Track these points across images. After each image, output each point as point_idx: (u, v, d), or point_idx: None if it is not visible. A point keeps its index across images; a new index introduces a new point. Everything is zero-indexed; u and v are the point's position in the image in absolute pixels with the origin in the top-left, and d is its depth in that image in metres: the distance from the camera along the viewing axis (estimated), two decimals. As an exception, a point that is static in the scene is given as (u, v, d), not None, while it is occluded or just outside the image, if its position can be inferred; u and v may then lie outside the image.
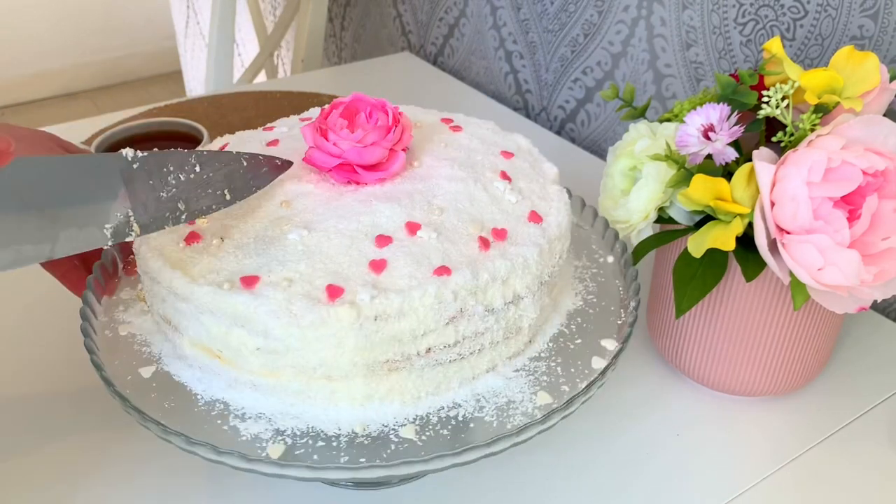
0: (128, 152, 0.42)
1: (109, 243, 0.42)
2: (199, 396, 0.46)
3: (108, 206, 0.41)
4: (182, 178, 0.44)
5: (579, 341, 0.51)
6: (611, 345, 0.50)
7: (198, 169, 0.45)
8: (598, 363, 0.49)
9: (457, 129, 0.57)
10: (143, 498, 0.52)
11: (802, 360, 0.57)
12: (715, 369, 0.58)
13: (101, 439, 0.56)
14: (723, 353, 0.57)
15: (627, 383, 0.61)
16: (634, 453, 0.56)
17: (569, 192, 0.61)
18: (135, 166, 0.42)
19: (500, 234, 0.48)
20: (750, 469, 0.55)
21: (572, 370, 0.49)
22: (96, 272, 0.53)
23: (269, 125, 0.60)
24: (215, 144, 0.57)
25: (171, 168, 0.44)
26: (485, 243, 0.47)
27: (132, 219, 0.42)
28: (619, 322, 0.52)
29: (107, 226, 0.41)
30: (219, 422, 0.45)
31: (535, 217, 0.50)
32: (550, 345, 0.51)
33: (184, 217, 0.44)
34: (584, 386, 0.47)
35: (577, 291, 0.55)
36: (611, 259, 0.58)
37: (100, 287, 0.53)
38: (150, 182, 0.43)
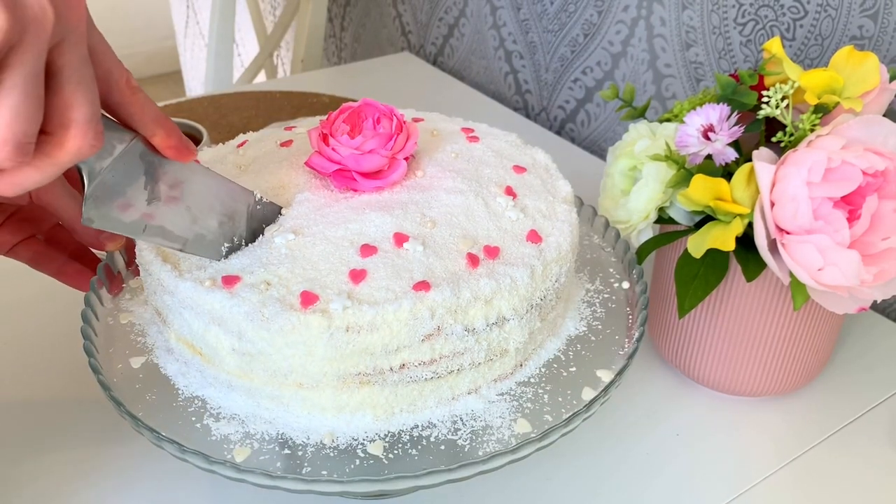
0: (257, 193, 0.47)
1: (222, 259, 0.46)
2: (180, 391, 0.47)
3: (231, 230, 0.46)
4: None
5: (574, 369, 0.49)
6: (606, 376, 0.48)
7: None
8: (588, 394, 0.46)
9: (474, 139, 0.55)
10: (143, 498, 0.52)
11: (802, 360, 0.57)
12: (715, 370, 0.58)
13: (100, 436, 0.56)
14: (723, 354, 0.57)
15: (627, 384, 0.61)
16: (634, 453, 0.56)
17: (593, 210, 0.60)
18: (258, 207, 0.47)
19: (492, 251, 0.46)
20: (750, 469, 0.55)
21: (560, 399, 0.47)
22: (109, 259, 0.54)
23: (290, 124, 0.60)
24: (236, 141, 0.57)
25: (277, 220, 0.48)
26: (473, 260, 0.45)
27: (242, 248, 0.46)
28: (621, 352, 0.50)
29: (225, 245, 0.46)
30: (193, 419, 0.45)
31: (534, 236, 0.47)
32: (542, 370, 0.49)
33: None
34: (566, 417, 0.45)
35: (583, 316, 0.53)
36: (626, 285, 0.55)
37: (111, 276, 0.54)
38: (263, 224, 0.47)
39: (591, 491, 0.53)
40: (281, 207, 0.48)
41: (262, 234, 0.47)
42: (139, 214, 0.42)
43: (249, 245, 0.46)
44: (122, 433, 0.55)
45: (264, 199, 0.47)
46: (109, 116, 0.40)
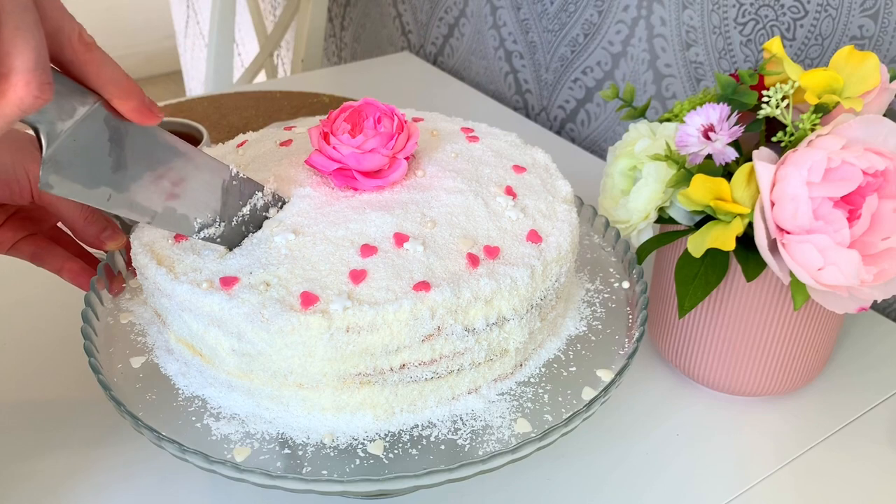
0: (233, 167, 0.46)
1: (194, 236, 0.45)
2: (180, 391, 0.47)
3: (203, 205, 0.45)
4: (250, 209, 0.48)
5: (574, 369, 0.49)
6: (606, 375, 0.48)
7: (258, 205, 0.48)
8: (589, 394, 0.47)
9: (474, 139, 0.55)
10: (143, 498, 0.52)
11: (802, 360, 0.57)
12: (715, 369, 0.58)
13: (101, 436, 0.56)
14: (723, 354, 0.57)
15: (627, 383, 0.61)
16: (634, 453, 0.56)
17: (593, 210, 0.60)
18: (234, 183, 0.46)
19: (492, 251, 0.46)
20: (750, 469, 0.55)
21: (560, 399, 0.47)
22: (109, 259, 0.54)
23: (290, 124, 0.60)
24: (236, 141, 0.57)
25: (254, 198, 0.48)
26: (473, 260, 0.45)
27: (217, 223, 0.46)
28: (621, 352, 0.50)
29: (198, 220, 0.45)
30: (193, 419, 0.45)
31: (534, 236, 0.47)
32: (542, 370, 0.49)
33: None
34: (566, 417, 0.45)
35: (583, 316, 0.53)
36: (626, 285, 0.55)
37: (111, 275, 0.54)
38: (240, 202, 0.46)
39: (591, 491, 0.53)
40: (263, 186, 0.47)
41: (255, 231, 0.47)
42: (104, 183, 0.40)
43: (248, 244, 0.46)
44: (122, 433, 0.55)
45: (241, 175, 0.46)
46: (70, 79, 0.38)
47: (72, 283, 0.54)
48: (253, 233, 0.47)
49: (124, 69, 0.39)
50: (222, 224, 0.46)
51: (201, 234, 0.45)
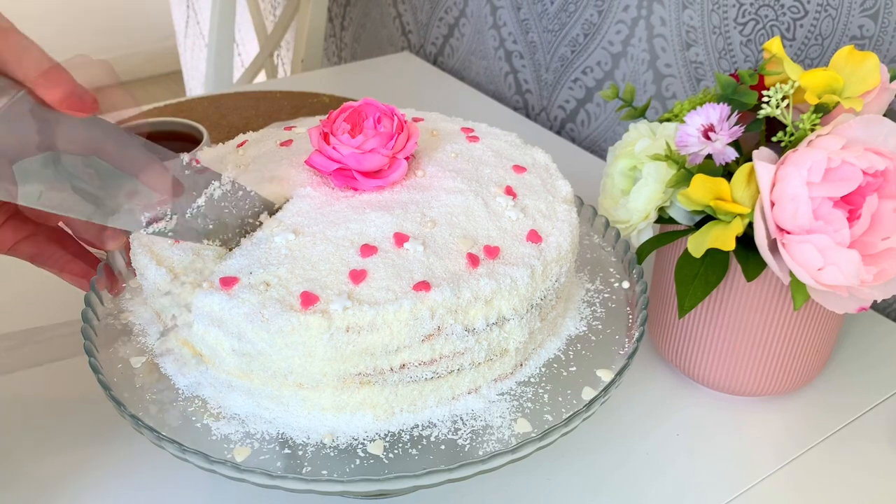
0: (184, 157, 0.44)
1: (142, 231, 0.43)
2: (180, 391, 0.47)
3: (149, 196, 0.43)
4: (206, 200, 0.46)
5: (574, 369, 0.49)
6: (606, 375, 0.48)
7: (215, 195, 0.46)
8: (589, 394, 0.47)
9: (474, 139, 0.55)
10: (143, 498, 0.52)
11: (802, 360, 0.57)
12: (715, 369, 0.58)
13: (101, 436, 0.56)
14: (723, 353, 0.57)
15: (627, 384, 0.61)
16: (634, 453, 0.56)
17: (594, 209, 0.60)
18: (186, 172, 0.44)
19: (492, 251, 0.46)
20: (750, 469, 0.55)
21: (560, 399, 0.47)
22: (109, 259, 0.54)
23: (290, 124, 0.60)
24: (236, 141, 0.57)
25: (210, 188, 0.46)
26: (473, 260, 0.45)
27: (168, 216, 0.44)
28: (621, 352, 0.50)
29: (145, 214, 0.43)
30: (193, 419, 0.45)
31: (534, 236, 0.47)
32: (542, 370, 0.49)
33: (205, 241, 0.46)
34: (566, 417, 0.45)
35: (584, 316, 0.53)
36: (626, 285, 0.55)
37: (111, 276, 0.54)
38: (194, 193, 0.44)
39: (591, 491, 0.53)
40: (220, 175, 0.46)
41: (215, 223, 0.46)
42: (33, 180, 0.37)
43: (248, 245, 0.46)
44: (122, 433, 0.55)
45: (195, 164, 0.45)
46: None
47: (72, 285, 0.54)
48: (213, 225, 0.45)
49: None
50: (174, 217, 0.44)
51: (150, 229, 0.43)
